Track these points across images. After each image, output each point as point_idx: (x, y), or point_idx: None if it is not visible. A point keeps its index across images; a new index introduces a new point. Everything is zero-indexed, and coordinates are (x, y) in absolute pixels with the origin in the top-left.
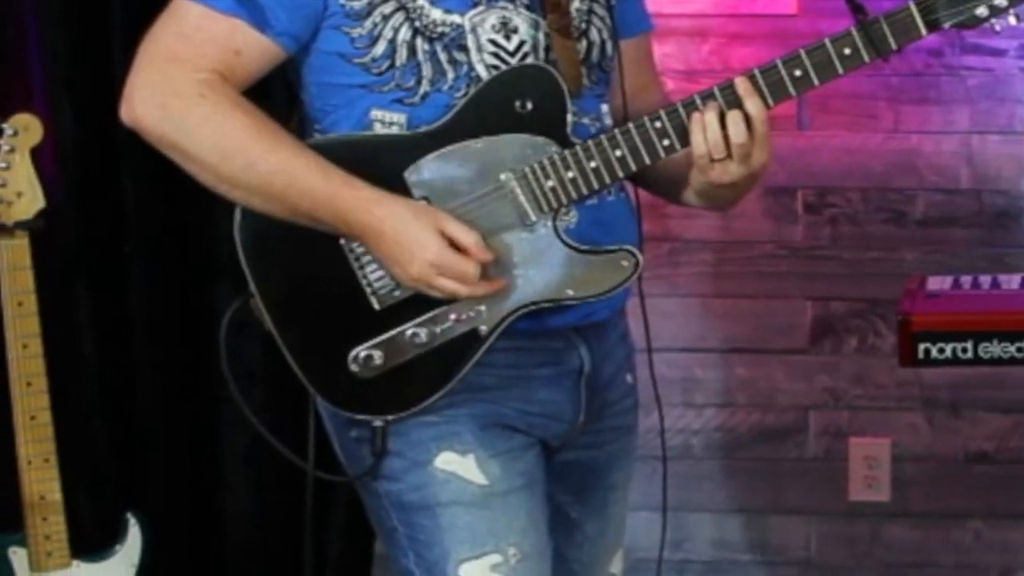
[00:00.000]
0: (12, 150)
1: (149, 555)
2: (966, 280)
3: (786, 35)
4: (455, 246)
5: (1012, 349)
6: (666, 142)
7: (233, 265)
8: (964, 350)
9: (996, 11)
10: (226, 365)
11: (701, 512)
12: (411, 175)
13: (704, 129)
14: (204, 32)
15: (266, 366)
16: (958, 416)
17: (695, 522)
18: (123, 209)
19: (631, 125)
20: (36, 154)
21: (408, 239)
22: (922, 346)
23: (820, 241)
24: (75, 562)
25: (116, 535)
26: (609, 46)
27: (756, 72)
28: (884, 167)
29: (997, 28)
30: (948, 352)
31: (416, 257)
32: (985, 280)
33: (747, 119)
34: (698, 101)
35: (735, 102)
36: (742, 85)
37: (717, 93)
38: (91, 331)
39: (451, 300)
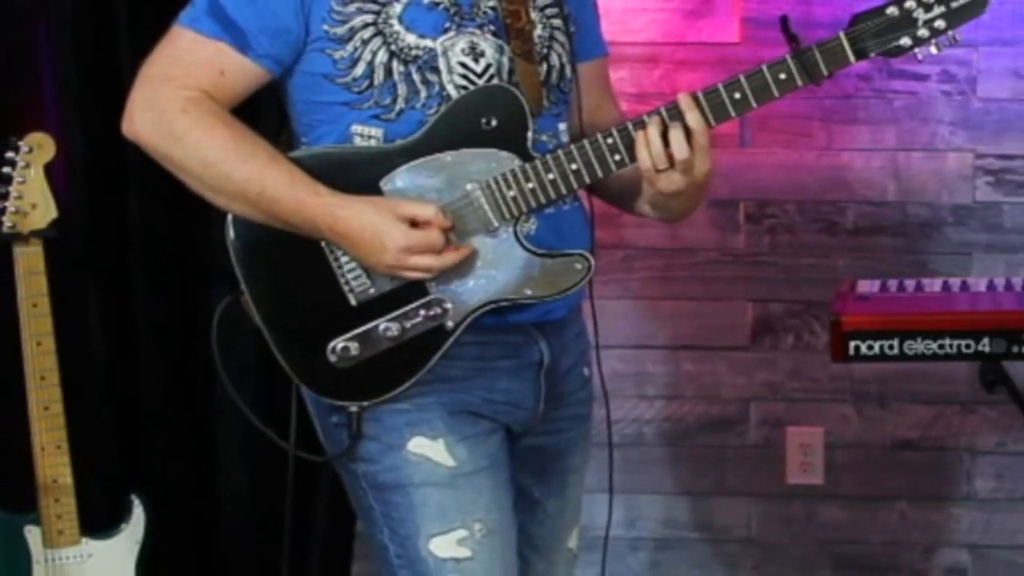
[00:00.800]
0: (27, 165)
1: (151, 533)
2: (892, 284)
3: (729, 62)
4: (417, 225)
5: (934, 346)
6: (617, 157)
7: (227, 270)
8: (891, 347)
9: (919, 41)
10: (217, 355)
11: (652, 494)
12: (386, 184)
13: (648, 144)
14: (192, 54)
15: (258, 358)
16: (885, 407)
17: (646, 503)
18: (128, 219)
19: (586, 141)
20: (49, 169)
21: (375, 231)
22: (852, 343)
23: (760, 248)
24: (84, 539)
25: (121, 515)
26: (568, 69)
27: (699, 94)
28: (818, 181)
29: (920, 56)
30: (876, 349)
31: (387, 245)
32: (910, 284)
33: (688, 133)
34: (645, 119)
35: (678, 117)
36: (683, 101)
37: (662, 111)
38: (99, 330)
39: (423, 291)
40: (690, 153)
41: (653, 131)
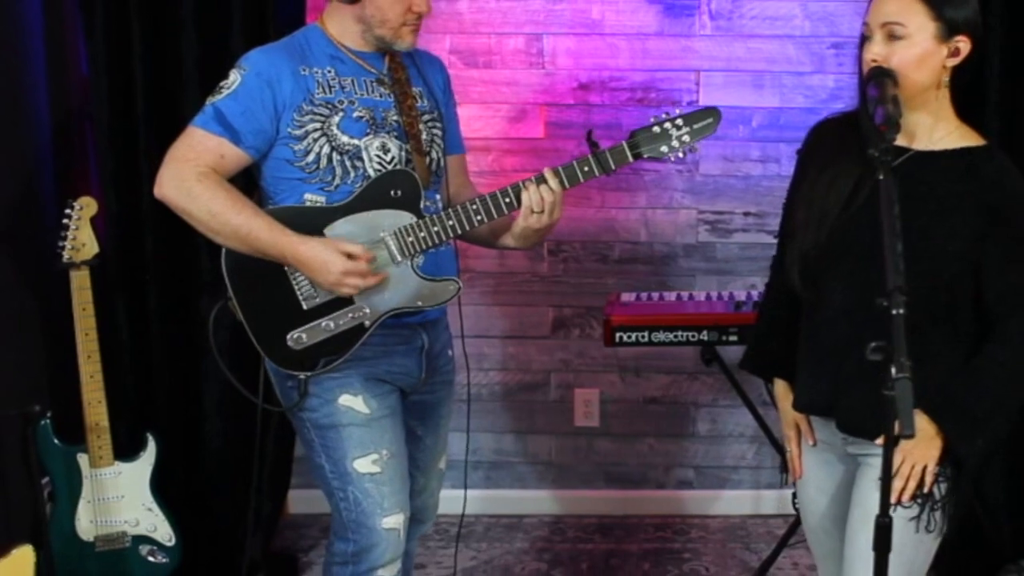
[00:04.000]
0: (79, 218)
1: (160, 458)
2: (644, 295)
3: (537, 151)
4: (351, 258)
5: (671, 336)
6: (479, 217)
7: (209, 286)
8: (643, 336)
9: (673, 149)
10: (212, 341)
11: (487, 432)
12: (329, 231)
13: (531, 196)
14: (203, 145)
15: (231, 345)
16: (639, 376)
17: (484, 438)
18: (144, 253)
19: (459, 207)
20: (93, 220)
21: (323, 259)
22: (618, 334)
23: (557, 272)
24: (116, 462)
25: (140, 446)
26: (442, 160)
27: (547, 171)
28: (595, 228)
29: (672, 159)
30: (633, 338)
31: (331, 269)
32: (655, 295)
33: (552, 193)
34: (499, 195)
35: (544, 181)
36: (551, 176)
37: (535, 179)
38: (125, 325)
39: (350, 301)
40: (553, 202)
41: (534, 188)
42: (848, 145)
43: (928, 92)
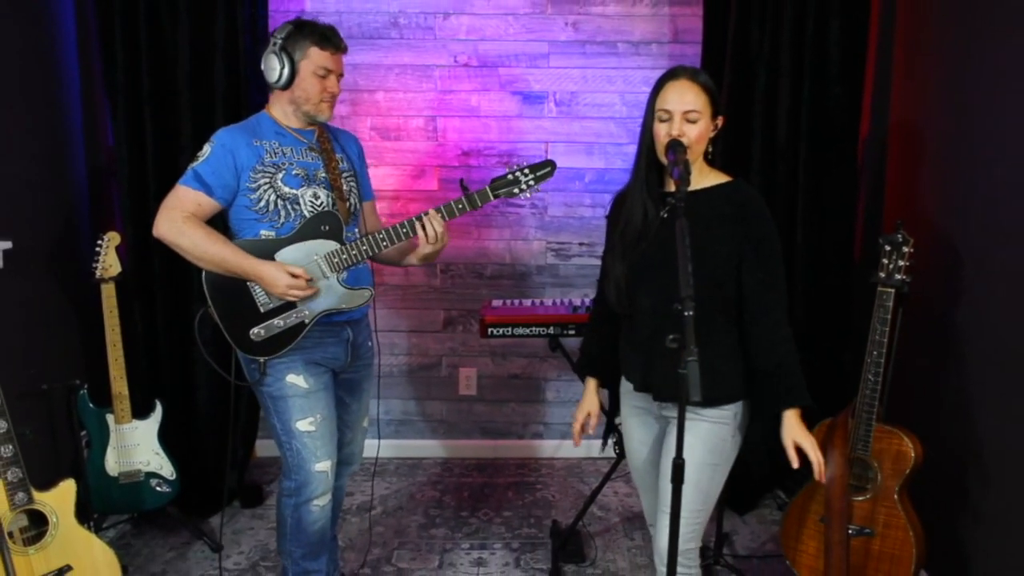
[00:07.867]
0: (108, 246)
1: (165, 417)
2: (508, 302)
3: (432, 199)
4: (294, 276)
5: (528, 330)
6: (385, 244)
7: (200, 296)
8: (508, 331)
9: (523, 191)
10: (197, 336)
11: (397, 399)
12: (278, 256)
13: (425, 228)
14: (186, 197)
15: (213, 338)
16: (506, 359)
17: (394, 404)
18: (153, 273)
19: (369, 235)
20: (118, 249)
21: (274, 276)
22: (490, 329)
23: (447, 285)
24: (134, 420)
25: (151, 408)
26: (358, 204)
27: (432, 211)
28: (473, 254)
29: (523, 198)
30: (501, 332)
31: (278, 283)
32: (516, 301)
33: (440, 226)
34: (398, 227)
35: (431, 217)
36: (435, 214)
37: (415, 219)
38: (140, 323)
39: (294, 306)
40: (442, 232)
41: (428, 224)
42: (635, 205)
43: (701, 153)
